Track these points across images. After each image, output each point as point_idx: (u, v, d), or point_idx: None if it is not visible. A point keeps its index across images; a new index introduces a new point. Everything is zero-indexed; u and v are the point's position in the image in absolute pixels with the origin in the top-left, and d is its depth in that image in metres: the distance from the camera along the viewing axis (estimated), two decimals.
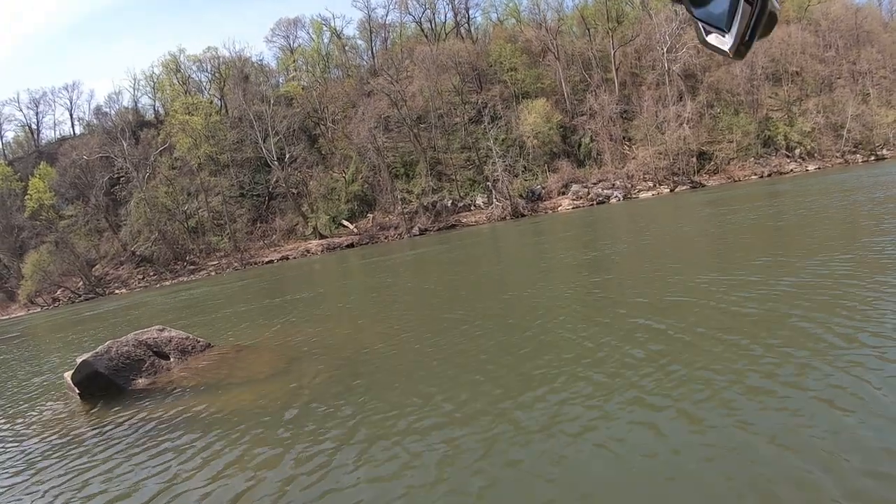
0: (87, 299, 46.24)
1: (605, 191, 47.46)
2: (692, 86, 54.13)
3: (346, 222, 51.33)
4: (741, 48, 0.63)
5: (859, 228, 11.02)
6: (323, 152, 56.80)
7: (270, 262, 48.00)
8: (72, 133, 68.04)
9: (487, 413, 4.64)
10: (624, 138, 52.86)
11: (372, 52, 67.44)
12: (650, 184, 49.12)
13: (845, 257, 8.18)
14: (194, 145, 55.25)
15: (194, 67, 65.63)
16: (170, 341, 8.91)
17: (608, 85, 55.57)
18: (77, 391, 7.71)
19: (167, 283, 47.80)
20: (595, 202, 46.47)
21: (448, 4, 67.59)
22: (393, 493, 3.67)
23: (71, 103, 70.04)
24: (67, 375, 7.91)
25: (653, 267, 10.81)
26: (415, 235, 46.67)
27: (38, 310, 47.57)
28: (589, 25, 60.67)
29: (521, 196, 48.40)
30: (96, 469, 5.05)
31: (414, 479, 3.80)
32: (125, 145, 55.87)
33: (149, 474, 4.70)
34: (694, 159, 50.53)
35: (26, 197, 54.55)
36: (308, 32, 67.67)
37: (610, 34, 56.95)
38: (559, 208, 47.04)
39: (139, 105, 68.63)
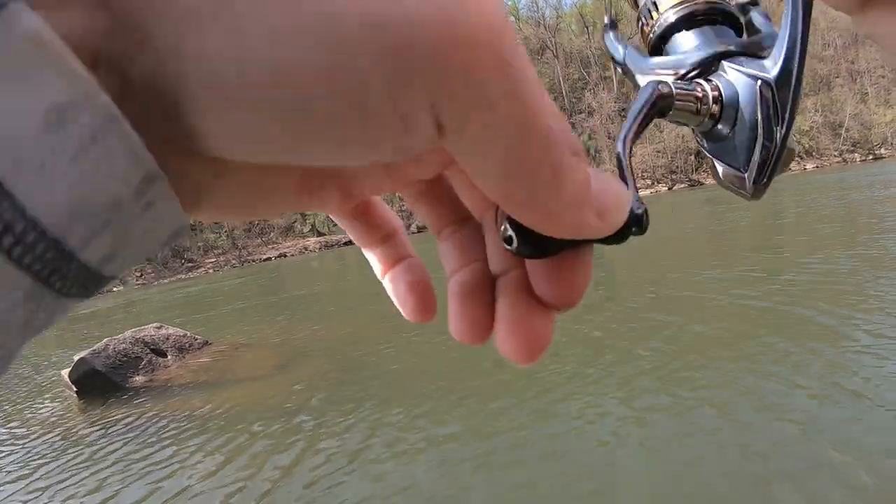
0: None
1: None
2: None
3: None
4: (760, 188, 0.60)
5: (860, 226, 11.01)
6: None
7: (268, 259, 47.98)
8: None
9: (489, 410, 4.61)
10: None
11: None
12: (648, 182, 49.18)
13: (849, 254, 8.18)
14: None
15: None
16: (167, 339, 8.88)
17: (607, 83, 55.64)
18: (74, 389, 7.67)
19: (165, 280, 47.73)
20: None
21: None
22: (392, 491, 3.65)
23: None
24: (64, 373, 7.87)
25: (655, 262, 10.80)
26: (413, 233, 46.57)
27: None
28: (587, 23, 60.66)
29: None
30: (93, 467, 5.02)
31: (414, 476, 3.78)
32: None
33: (146, 472, 4.67)
34: (692, 157, 50.57)
35: None
36: None
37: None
38: None
39: None
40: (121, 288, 46.47)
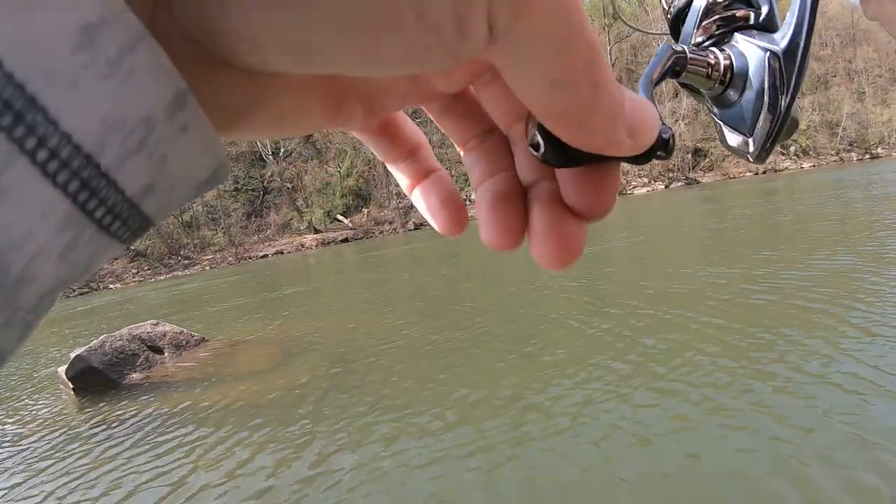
0: (80, 294, 46.02)
1: None
2: None
3: (341, 217, 51.25)
4: (762, 153, 0.65)
5: (860, 224, 11.04)
6: (318, 147, 56.66)
7: (265, 256, 47.88)
8: None
9: (489, 408, 4.62)
10: None
11: None
12: (645, 180, 49.20)
13: (850, 251, 8.22)
14: None
15: None
16: (164, 336, 8.87)
17: None
18: (71, 386, 7.67)
19: (161, 277, 47.63)
20: None
21: None
22: (390, 488, 3.65)
23: None
24: (61, 370, 7.87)
25: (656, 260, 10.84)
26: (410, 230, 46.62)
27: None
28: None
29: None
30: (90, 464, 5.02)
31: (412, 473, 3.78)
32: None
33: (143, 469, 4.67)
34: (689, 156, 50.60)
35: None
36: None
37: (606, 30, 56.95)
38: None
39: None
40: (118, 285, 46.43)
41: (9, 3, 0.14)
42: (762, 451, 3.28)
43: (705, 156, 50.61)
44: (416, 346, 6.98)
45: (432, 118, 0.34)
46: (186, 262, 50.30)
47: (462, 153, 0.34)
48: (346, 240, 48.09)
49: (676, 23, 0.74)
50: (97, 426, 6.07)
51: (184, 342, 8.97)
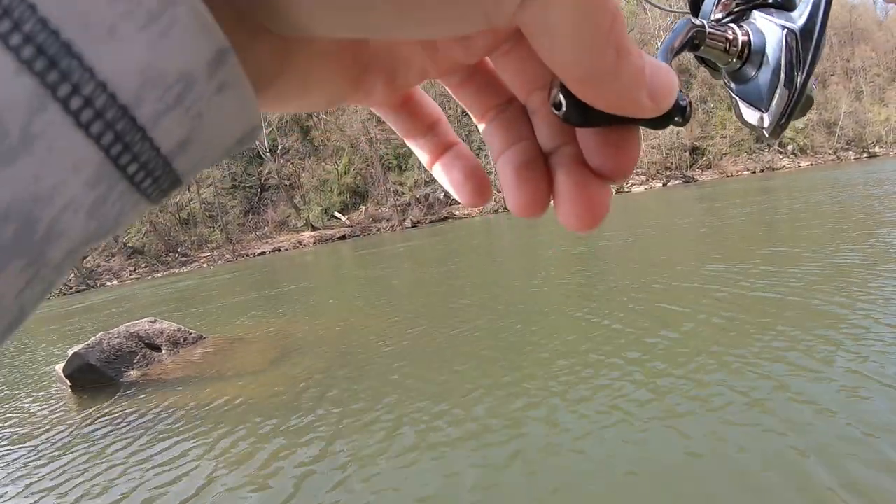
0: (78, 291, 45.98)
1: None
2: (686, 80, 54.20)
3: (338, 214, 51.23)
4: (777, 128, 0.66)
5: (860, 222, 11.05)
6: (315, 144, 56.63)
7: (262, 253, 47.87)
8: None
9: (487, 406, 4.61)
10: None
11: None
12: (643, 178, 49.24)
13: (851, 248, 8.24)
14: None
15: None
16: (161, 333, 8.86)
17: None
18: (68, 383, 7.66)
19: (159, 274, 47.58)
20: None
21: None
22: (388, 486, 3.64)
23: None
24: (59, 367, 7.86)
25: (658, 256, 10.84)
26: (407, 228, 46.64)
27: None
28: None
29: None
30: (87, 461, 5.01)
31: (409, 470, 3.77)
32: None
33: (140, 466, 4.66)
34: (687, 154, 50.65)
35: None
36: None
37: None
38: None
39: None
40: (115, 282, 46.38)
41: None
42: (767, 445, 3.28)
43: (703, 154, 50.68)
44: (414, 342, 6.97)
45: (450, 91, 0.35)
46: (184, 259, 50.26)
47: (481, 125, 0.34)
48: (343, 237, 48.10)
49: (697, 0, 0.74)
50: (94, 423, 6.06)
51: (181, 340, 8.96)
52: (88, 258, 52.64)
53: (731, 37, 0.65)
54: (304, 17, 0.20)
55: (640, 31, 55.55)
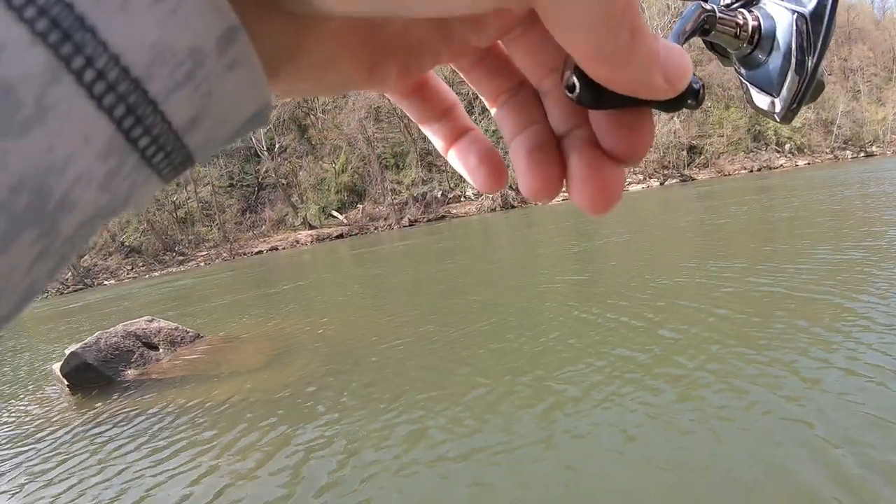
0: (75, 290, 45.92)
1: None
2: None
3: (335, 213, 51.22)
4: (788, 113, 0.66)
5: (860, 221, 11.05)
6: (313, 143, 56.60)
7: (260, 252, 47.86)
8: None
9: (484, 405, 4.60)
10: None
11: None
12: (640, 177, 49.26)
13: (852, 245, 8.26)
14: None
15: None
16: (159, 332, 8.84)
17: None
18: (66, 382, 7.64)
19: (156, 273, 47.54)
20: None
21: None
22: (386, 485, 3.63)
23: None
24: (56, 367, 7.84)
25: (660, 254, 10.84)
26: (405, 226, 46.64)
27: None
28: None
29: (511, 188, 48.41)
30: (85, 461, 4.99)
31: (406, 471, 3.76)
32: None
33: (137, 466, 4.65)
34: (684, 153, 50.67)
35: None
36: None
37: None
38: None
39: None
40: (112, 281, 46.34)
41: None
42: (776, 436, 3.28)
43: (700, 153, 50.71)
44: (411, 341, 6.96)
45: (463, 75, 0.35)
46: (181, 258, 50.23)
47: (492, 109, 0.34)
48: (340, 236, 48.10)
49: None
50: (92, 423, 6.04)
51: (179, 339, 8.95)
52: (85, 257, 52.58)
53: (741, 21, 0.65)
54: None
55: None
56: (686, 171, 49.40)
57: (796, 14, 0.64)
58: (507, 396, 4.69)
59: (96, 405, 6.69)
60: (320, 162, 54.82)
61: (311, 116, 58.04)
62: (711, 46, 0.70)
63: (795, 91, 0.65)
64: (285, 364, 6.94)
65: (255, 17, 0.21)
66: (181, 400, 6.25)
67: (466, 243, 21.41)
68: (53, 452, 5.36)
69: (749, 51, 0.67)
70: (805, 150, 52.13)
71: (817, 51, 0.63)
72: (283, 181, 54.07)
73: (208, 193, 53.91)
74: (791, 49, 0.64)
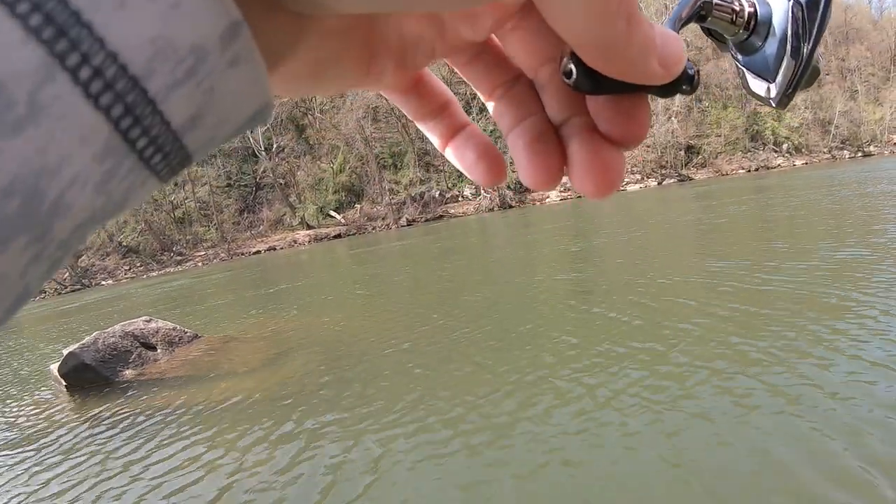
0: (73, 290, 45.88)
1: None
2: None
3: (333, 213, 51.22)
4: (784, 98, 0.67)
5: (860, 219, 11.06)
6: (311, 142, 56.59)
7: (258, 252, 47.85)
8: None
9: (481, 405, 4.59)
10: None
11: None
12: (638, 177, 49.32)
13: (855, 244, 8.27)
14: None
15: None
16: (157, 332, 8.83)
17: None
18: (63, 383, 7.63)
19: (154, 273, 47.51)
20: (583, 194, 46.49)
21: None
22: (385, 485, 3.63)
23: None
24: (54, 367, 7.82)
25: (660, 253, 10.84)
26: (402, 226, 46.65)
27: None
28: None
29: (508, 187, 48.45)
30: (82, 461, 4.98)
31: (404, 470, 3.76)
32: None
33: (136, 466, 4.64)
34: (682, 153, 50.72)
35: None
36: None
37: None
38: (547, 200, 47.10)
39: None
40: (110, 281, 46.29)
41: None
42: (784, 427, 3.27)
43: (698, 153, 50.75)
44: (409, 341, 6.96)
45: (458, 70, 0.35)
46: (179, 258, 50.23)
47: (489, 103, 0.34)
48: (338, 235, 48.11)
49: None
50: (90, 423, 6.03)
51: (177, 339, 8.94)
52: (83, 257, 52.52)
53: (737, 7, 0.66)
54: None
55: None
56: (684, 171, 49.45)
57: (792, 0, 0.64)
58: (510, 396, 4.68)
59: (94, 406, 6.67)
60: (318, 162, 54.82)
61: (309, 116, 58.03)
62: (708, 32, 0.70)
63: (791, 77, 0.65)
64: (283, 364, 6.93)
65: (257, 14, 0.20)
66: (179, 400, 6.24)
67: (465, 243, 21.41)
68: (51, 453, 5.35)
69: (745, 37, 0.68)
70: (803, 150, 52.19)
71: (813, 37, 0.64)
72: (281, 181, 54.05)
73: (206, 193, 53.87)
74: (787, 35, 0.64)
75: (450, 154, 0.36)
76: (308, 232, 49.59)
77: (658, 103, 51.16)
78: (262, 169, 54.76)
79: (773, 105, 0.69)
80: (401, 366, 6.06)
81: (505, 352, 5.91)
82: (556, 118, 0.31)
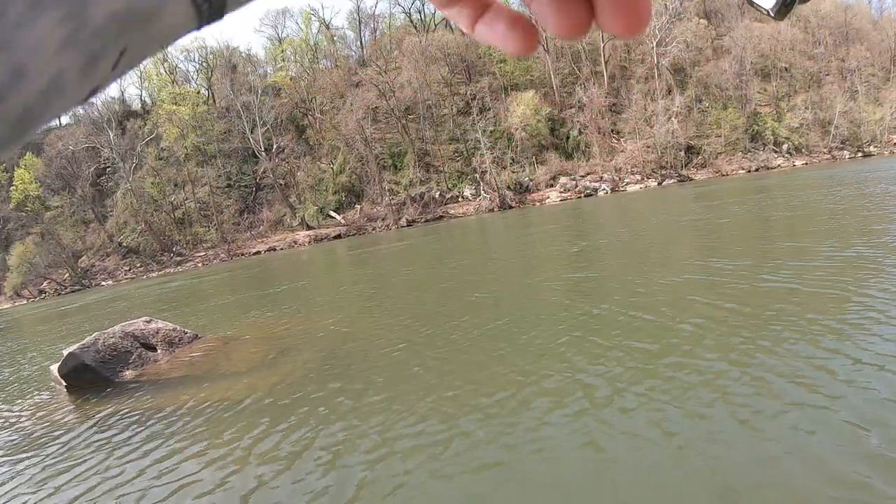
0: (73, 291, 45.94)
1: (593, 183, 47.57)
2: (681, 80, 54.36)
3: (333, 213, 51.21)
4: (783, 9, 0.66)
5: (862, 219, 11.05)
6: (311, 143, 56.58)
7: (258, 253, 47.88)
8: (58, 123, 67.40)
9: (478, 404, 4.59)
10: (612, 131, 53.01)
11: (361, 43, 67.37)
12: (638, 177, 49.28)
13: (857, 242, 8.29)
14: (181, 135, 54.87)
15: (181, 57, 64.97)
16: (157, 333, 8.83)
17: (597, 78, 55.67)
18: (64, 384, 7.63)
19: (154, 274, 47.54)
20: (583, 195, 46.59)
21: None
22: (384, 484, 3.63)
23: None
24: (54, 368, 7.83)
25: (663, 252, 10.84)
26: (402, 227, 46.63)
27: (24, 302, 47.20)
28: None
29: (509, 188, 48.45)
30: (82, 462, 4.98)
31: (404, 470, 3.76)
32: (111, 135, 55.41)
33: (136, 466, 4.64)
34: (682, 153, 50.67)
35: (12, 188, 54.03)
36: (297, 22, 67.60)
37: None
38: (547, 200, 47.08)
39: (125, 95, 67.89)
40: (110, 282, 46.30)
41: None
42: (790, 419, 3.28)
43: (698, 153, 50.67)
44: (409, 341, 6.96)
45: None
46: (179, 258, 50.28)
47: None
48: (338, 236, 48.10)
49: None
50: (89, 424, 6.03)
51: (177, 339, 8.94)
52: (83, 257, 52.53)
53: None
54: None
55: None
56: (684, 171, 49.36)
57: None
58: (510, 396, 4.68)
59: (94, 406, 6.68)
60: (318, 162, 54.81)
61: (309, 117, 58.04)
62: None
63: None
64: (283, 364, 6.93)
65: None
66: (179, 400, 6.24)
67: (464, 244, 21.41)
68: (51, 453, 5.35)
69: None
70: (803, 150, 52.11)
71: None
72: (281, 182, 54.06)
73: (206, 194, 53.89)
74: None
75: (480, 32, 0.35)
76: (308, 232, 49.60)
77: (658, 103, 51.16)
78: (262, 169, 54.79)
79: (772, 15, 0.67)
80: (401, 365, 6.06)
81: (505, 352, 5.91)
82: None
